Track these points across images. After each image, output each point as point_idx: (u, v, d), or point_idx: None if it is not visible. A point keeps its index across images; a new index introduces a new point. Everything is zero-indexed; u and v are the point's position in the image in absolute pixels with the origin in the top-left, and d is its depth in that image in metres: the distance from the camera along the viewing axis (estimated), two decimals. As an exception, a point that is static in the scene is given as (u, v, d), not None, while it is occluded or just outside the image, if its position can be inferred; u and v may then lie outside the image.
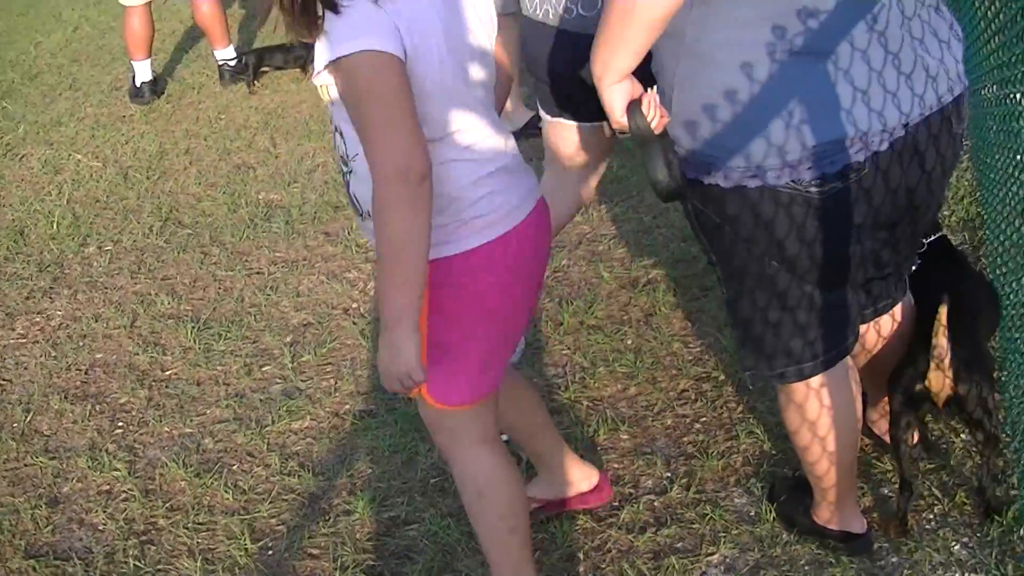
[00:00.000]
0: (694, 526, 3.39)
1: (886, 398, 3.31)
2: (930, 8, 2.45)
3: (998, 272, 3.77)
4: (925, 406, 3.01)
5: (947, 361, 2.87)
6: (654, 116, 2.34)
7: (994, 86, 3.70)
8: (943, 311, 2.80)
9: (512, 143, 2.67)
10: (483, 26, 2.54)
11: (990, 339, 3.25)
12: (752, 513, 3.40)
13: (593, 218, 5.24)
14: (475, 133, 2.52)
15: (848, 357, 2.87)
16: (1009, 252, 3.47)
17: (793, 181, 2.40)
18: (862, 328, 3.03)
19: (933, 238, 3.25)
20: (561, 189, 3.94)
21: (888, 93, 2.35)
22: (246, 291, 5.20)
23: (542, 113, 3.88)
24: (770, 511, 3.36)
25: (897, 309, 3.11)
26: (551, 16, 3.50)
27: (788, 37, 2.27)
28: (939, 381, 2.90)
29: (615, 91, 2.35)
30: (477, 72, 2.50)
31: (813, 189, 2.41)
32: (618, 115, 2.37)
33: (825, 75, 2.31)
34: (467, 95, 2.50)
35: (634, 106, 2.34)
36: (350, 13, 2.24)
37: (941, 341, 2.84)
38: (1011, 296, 3.41)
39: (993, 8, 3.62)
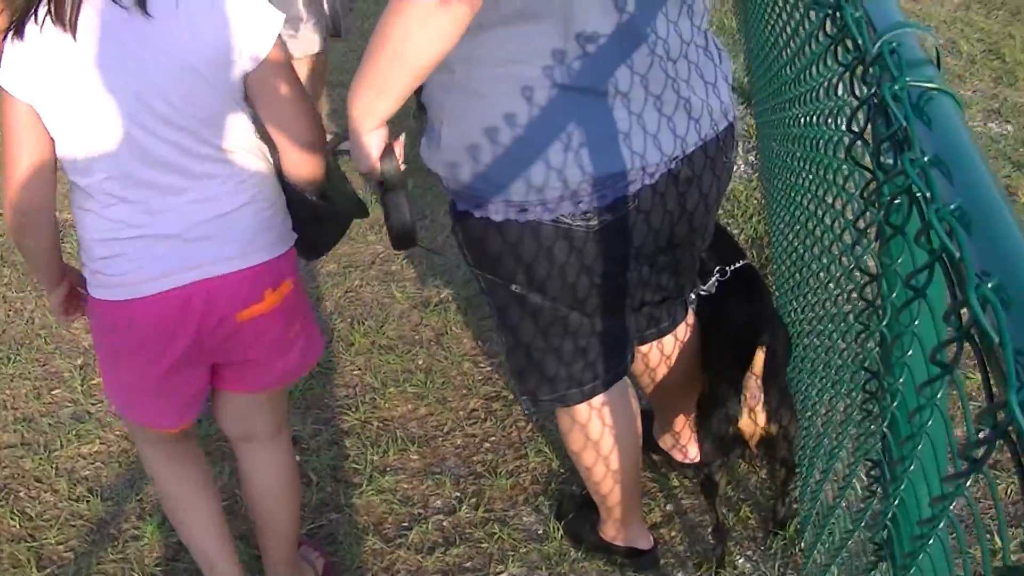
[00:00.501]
0: (483, 545, 3.38)
1: (674, 415, 3.36)
2: (698, 48, 2.48)
3: (783, 288, 3.86)
4: (737, 449, 3.01)
5: (760, 406, 2.86)
6: (401, 162, 2.32)
7: (776, 108, 3.78)
8: (760, 358, 2.79)
9: (211, 210, 2.48)
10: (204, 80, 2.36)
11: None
12: (540, 531, 3.41)
13: (385, 238, 5.19)
14: (122, 191, 2.42)
15: (626, 377, 2.89)
16: (790, 269, 3.54)
17: (561, 216, 2.39)
18: (645, 348, 3.07)
19: (739, 265, 3.20)
20: None
21: (649, 134, 2.36)
22: (36, 312, 5.03)
23: None
24: (558, 529, 3.38)
25: (681, 328, 3.15)
26: None
27: (553, 75, 2.26)
28: (751, 426, 2.88)
29: (374, 136, 2.28)
30: (163, 129, 2.36)
31: (580, 223, 2.40)
32: (375, 160, 2.32)
33: (587, 114, 2.30)
34: (132, 148, 2.37)
35: (388, 151, 2.30)
36: None
37: (753, 386, 2.82)
38: (790, 314, 3.48)
39: (772, 38, 3.71)
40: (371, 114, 2.26)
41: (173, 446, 2.87)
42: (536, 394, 2.77)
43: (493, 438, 3.83)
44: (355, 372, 4.28)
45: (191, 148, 2.39)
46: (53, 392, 4.44)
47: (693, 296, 3.11)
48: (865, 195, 1.38)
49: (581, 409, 2.82)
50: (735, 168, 5.33)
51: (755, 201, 5.11)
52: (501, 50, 2.26)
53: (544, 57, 2.24)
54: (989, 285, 0.85)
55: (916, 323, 1.26)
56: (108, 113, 2.31)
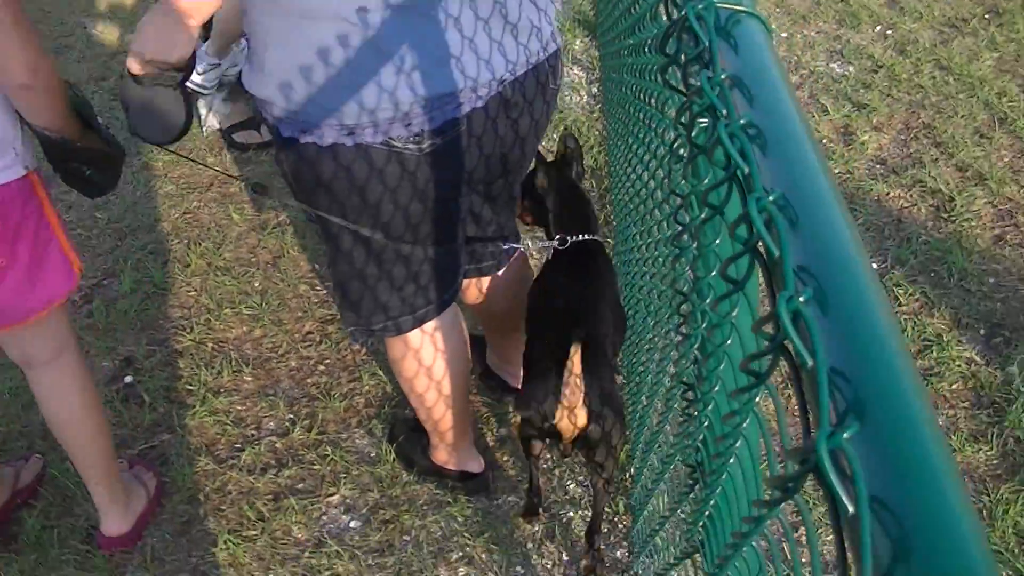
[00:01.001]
0: (315, 467, 3.39)
1: (505, 342, 3.38)
2: None
3: (620, 217, 3.90)
4: (551, 440, 2.86)
5: (578, 404, 2.68)
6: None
7: (614, 40, 3.80)
8: (576, 355, 2.60)
9: None
10: None
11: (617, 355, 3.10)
12: (373, 454, 3.43)
13: (225, 159, 5.13)
14: None
15: (455, 304, 2.88)
16: (624, 198, 3.58)
17: (391, 139, 2.36)
18: (464, 284, 3.07)
19: (587, 238, 3.05)
20: None
21: (479, 56, 2.36)
22: None
23: None
24: (390, 452, 3.40)
25: (511, 269, 3.16)
26: None
27: None
28: (568, 424, 2.72)
29: (195, 30, 2.29)
30: None
31: (411, 146, 2.38)
32: (185, 52, 2.31)
33: (418, 36, 2.27)
34: None
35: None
36: None
37: (573, 383, 2.65)
38: (620, 245, 3.52)
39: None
40: (200, 10, 2.24)
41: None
42: (370, 322, 2.76)
43: (328, 361, 3.83)
44: (191, 293, 4.24)
45: None
46: None
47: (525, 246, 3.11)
48: (678, 117, 1.40)
49: (413, 335, 2.81)
50: (579, 100, 5.37)
51: (596, 132, 5.14)
52: None
53: None
54: (771, 198, 0.87)
55: (717, 242, 1.29)
56: None
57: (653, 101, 2.26)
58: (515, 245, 3.07)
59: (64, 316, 2.86)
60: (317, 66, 2.27)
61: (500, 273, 3.14)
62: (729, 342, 1.28)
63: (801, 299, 0.78)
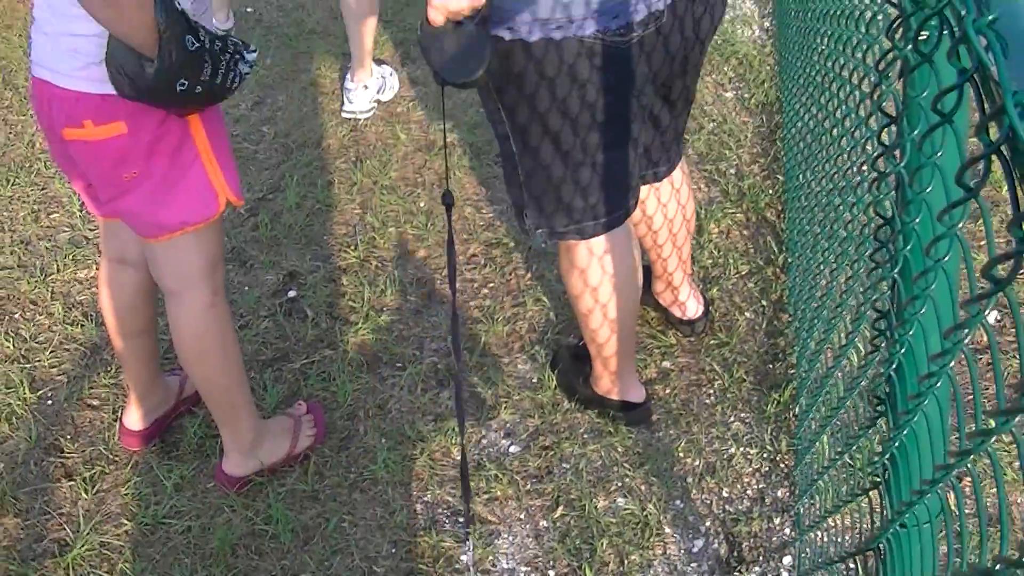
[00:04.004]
0: (477, 390, 3.37)
1: (672, 270, 3.33)
2: None
3: (791, 155, 3.81)
4: None
5: None
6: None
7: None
8: None
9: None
10: None
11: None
12: (534, 380, 3.40)
13: (395, 79, 5.14)
14: None
15: (630, 225, 2.85)
16: (800, 133, 3.49)
17: (598, 31, 2.37)
18: (643, 193, 3.04)
19: None
20: None
21: None
22: (37, 136, 4.98)
23: None
24: (552, 379, 3.37)
25: (677, 175, 3.12)
26: None
27: None
28: None
29: None
30: None
31: (617, 39, 2.39)
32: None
33: None
34: None
35: None
36: None
37: None
38: (799, 176, 3.44)
39: None
40: None
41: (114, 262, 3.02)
42: (553, 225, 2.74)
43: (492, 284, 3.81)
44: (355, 211, 4.25)
45: None
46: (51, 216, 4.42)
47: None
48: (890, 34, 1.33)
49: (582, 253, 2.79)
50: (751, 34, 5.27)
51: (768, 67, 5.03)
52: None
53: None
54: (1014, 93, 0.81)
55: (939, 154, 1.21)
56: None
57: (847, 23, 2.19)
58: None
59: (198, 251, 2.80)
60: None
61: (672, 187, 3.11)
62: (948, 257, 1.21)
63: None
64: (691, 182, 3.16)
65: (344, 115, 4.93)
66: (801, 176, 3.41)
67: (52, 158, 2.78)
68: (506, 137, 2.67)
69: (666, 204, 3.14)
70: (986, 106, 0.91)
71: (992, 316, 3.42)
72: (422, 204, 4.26)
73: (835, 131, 2.49)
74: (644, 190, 3.07)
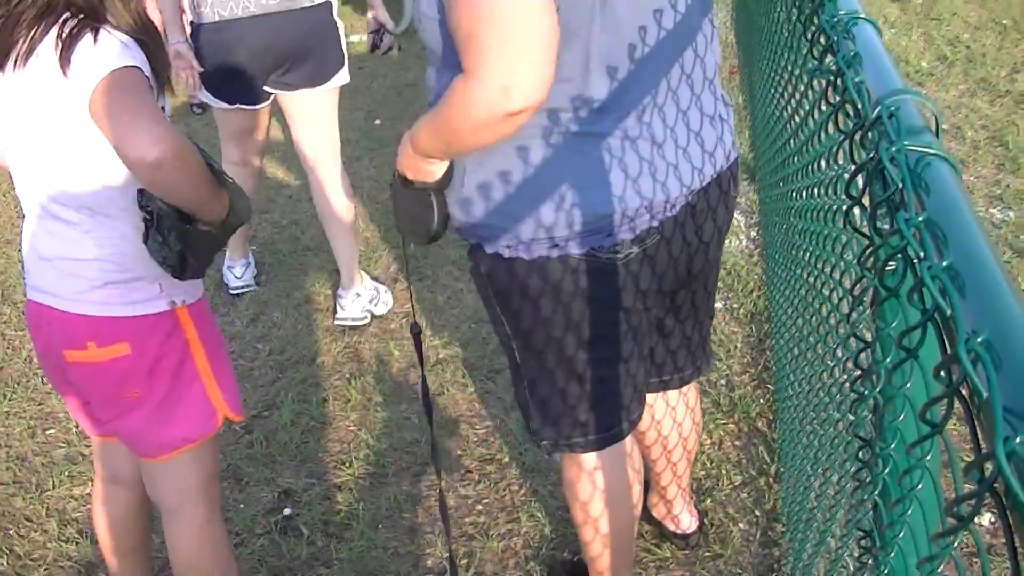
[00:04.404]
0: (471, 607, 3.36)
1: (669, 482, 3.34)
2: (709, 88, 2.53)
3: (782, 362, 3.86)
4: None
5: None
6: None
7: (780, 183, 3.80)
8: None
9: None
10: None
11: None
12: (530, 596, 3.39)
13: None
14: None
15: (630, 440, 2.88)
16: (788, 344, 3.54)
17: (592, 249, 2.42)
18: (651, 398, 3.06)
19: None
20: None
21: (670, 165, 2.41)
22: (34, 352, 5.03)
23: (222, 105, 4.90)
24: (548, 594, 3.36)
25: (691, 393, 3.15)
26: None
27: (563, 121, 2.30)
28: None
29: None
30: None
31: (609, 256, 2.44)
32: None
33: (600, 157, 2.34)
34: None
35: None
36: None
37: None
38: (788, 388, 3.48)
39: (777, 112, 3.73)
40: (431, 168, 2.39)
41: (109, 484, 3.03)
42: (560, 435, 2.76)
43: (486, 500, 3.82)
44: (350, 427, 4.28)
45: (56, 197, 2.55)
46: (47, 432, 4.45)
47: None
48: (862, 261, 1.38)
49: (572, 464, 2.82)
50: (739, 244, 5.36)
51: (756, 276, 5.12)
52: None
53: (554, 102, 2.28)
54: (979, 340, 0.86)
55: (908, 385, 1.26)
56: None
57: (824, 242, 2.25)
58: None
59: (195, 469, 2.82)
60: (523, 183, 2.37)
61: (682, 397, 3.14)
62: (920, 485, 1.25)
63: (1017, 440, 0.76)
64: (699, 402, 3.19)
65: (337, 323, 5.05)
66: (790, 387, 3.44)
67: (47, 377, 2.81)
68: (508, 339, 2.71)
69: (660, 421, 3.16)
70: (946, 345, 0.97)
71: (987, 518, 3.43)
72: (415, 420, 4.29)
73: (819, 347, 2.54)
74: (651, 397, 3.09)
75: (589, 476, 2.82)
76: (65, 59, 2.34)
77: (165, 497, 2.84)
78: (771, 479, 3.77)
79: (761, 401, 4.18)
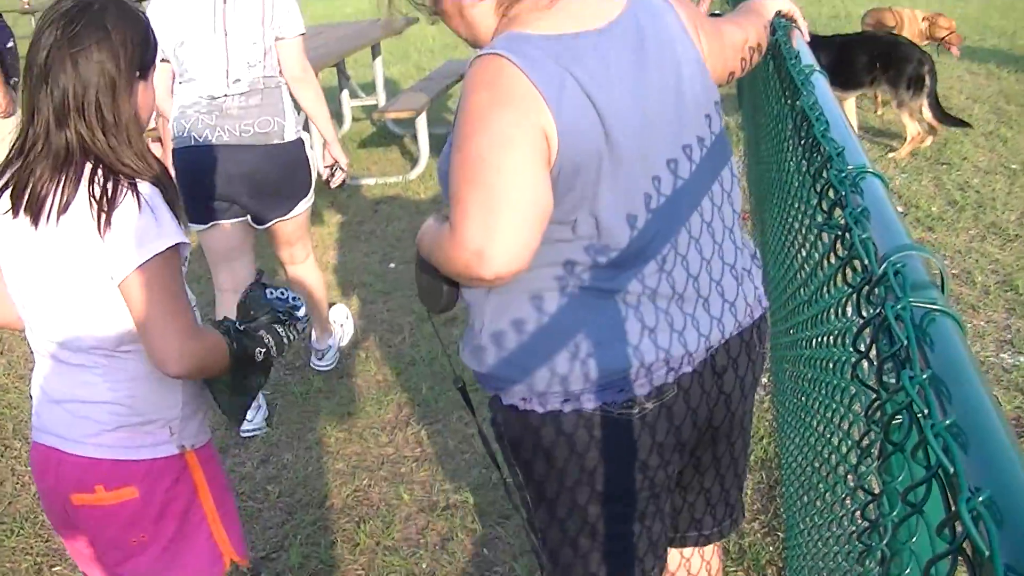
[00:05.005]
0: None
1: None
2: (731, 239, 2.55)
3: (791, 510, 3.84)
4: None
5: None
6: None
7: (790, 330, 3.82)
8: None
9: None
10: None
11: None
12: None
13: (397, 439, 5.22)
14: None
15: None
16: (798, 492, 3.53)
17: (604, 404, 2.41)
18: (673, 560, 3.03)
19: None
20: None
21: (687, 316, 2.42)
22: (39, 496, 5.03)
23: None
24: None
25: (713, 557, 3.11)
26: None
27: (579, 273, 2.32)
28: None
29: None
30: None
31: (624, 411, 2.43)
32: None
33: (617, 312, 2.37)
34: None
35: None
36: None
37: None
38: (797, 536, 3.47)
39: (787, 261, 3.77)
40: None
41: None
42: None
43: (494, 648, 3.79)
44: (358, 572, 4.26)
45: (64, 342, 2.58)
46: (54, 569, 4.45)
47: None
48: (869, 414, 1.40)
49: None
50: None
51: (766, 423, 5.12)
52: (542, 258, 2.30)
53: (571, 255, 2.32)
54: (980, 499, 0.87)
55: (914, 540, 1.27)
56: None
57: (833, 394, 2.26)
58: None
59: None
60: (537, 333, 2.39)
61: (692, 553, 3.09)
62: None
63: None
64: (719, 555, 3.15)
65: (313, 366, 5.86)
66: (799, 536, 3.43)
67: (50, 522, 2.84)
68: (521, 488, 2.69)
69: (673, 574, 3.11)
70: (951, 502, 0.98)
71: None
72: (424, 566, 4.26)
73: (828, 496, 2.53)
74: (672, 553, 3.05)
75: None
76: (106, 221, 2.37)
77: None
78: (782, 629, 3.73)
79: (771, 549, 4.15)
